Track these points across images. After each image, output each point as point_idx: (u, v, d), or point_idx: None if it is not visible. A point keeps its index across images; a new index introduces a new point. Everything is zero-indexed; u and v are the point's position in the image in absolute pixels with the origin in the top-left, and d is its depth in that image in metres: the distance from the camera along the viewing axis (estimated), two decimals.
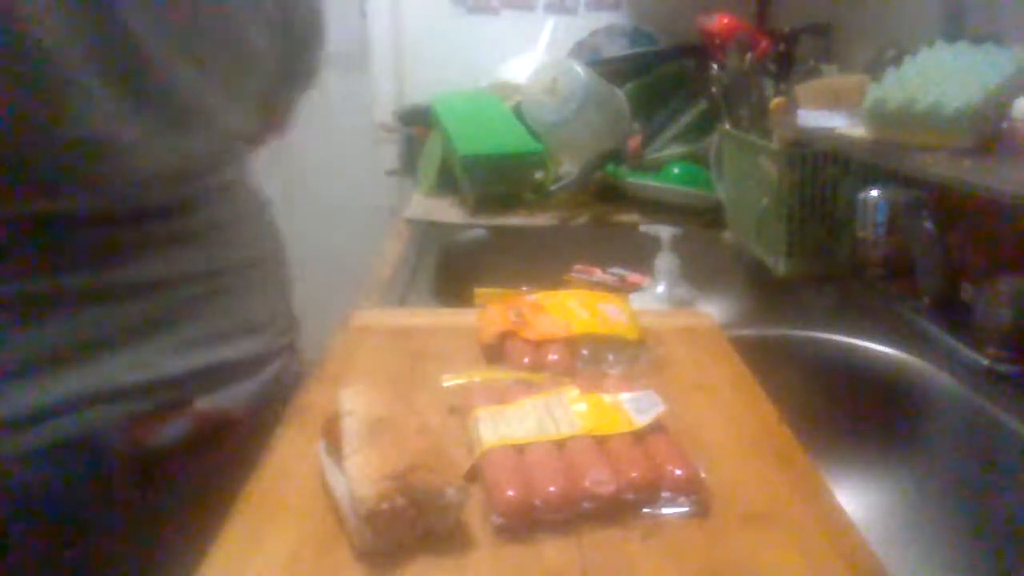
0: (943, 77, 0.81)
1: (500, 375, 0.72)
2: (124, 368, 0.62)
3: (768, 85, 1.20)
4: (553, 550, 0.50)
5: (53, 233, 0.60)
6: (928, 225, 0.87)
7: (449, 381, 0.70)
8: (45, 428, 0.59)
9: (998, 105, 0.77)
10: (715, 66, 1.26)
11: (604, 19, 1.89)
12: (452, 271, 1.26)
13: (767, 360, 0.80)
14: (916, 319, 0.91)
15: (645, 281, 1.09)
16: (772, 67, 1.29)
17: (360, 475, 0.50)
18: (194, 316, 0.67)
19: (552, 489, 0.53)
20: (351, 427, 0.54)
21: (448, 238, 1.36)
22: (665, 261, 1.06)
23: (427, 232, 1.36)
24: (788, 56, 1.39)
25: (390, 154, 1.93)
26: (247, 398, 0.71)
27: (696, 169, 1.40)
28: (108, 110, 0.59)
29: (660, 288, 1.06)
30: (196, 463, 0.66)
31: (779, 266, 1.05)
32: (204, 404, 0.67)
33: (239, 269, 0.72)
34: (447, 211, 1.44)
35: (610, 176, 1.44)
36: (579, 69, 1.47)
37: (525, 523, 0.52)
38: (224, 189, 0.72)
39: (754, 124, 1.13)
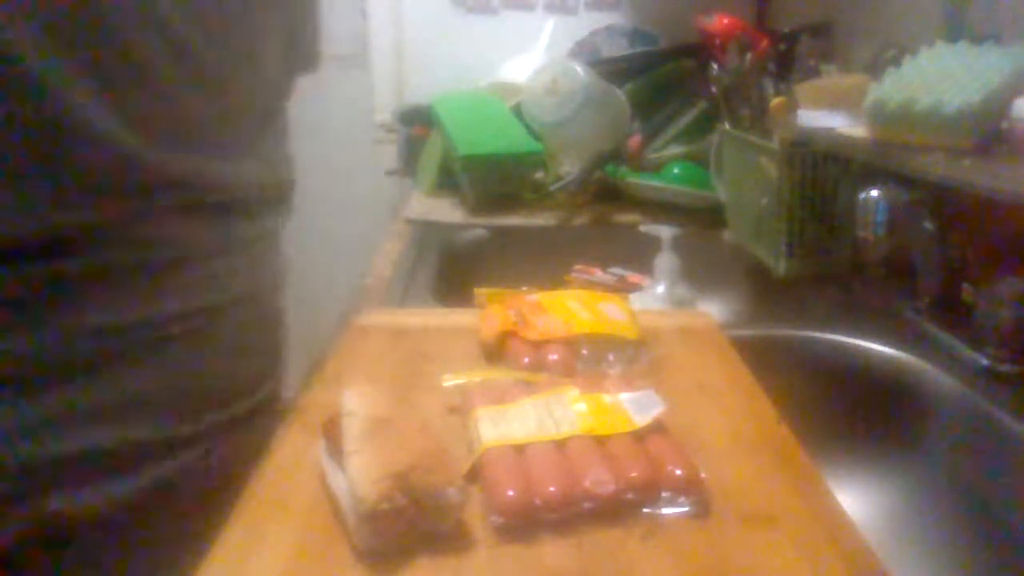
0: (943, 77, 0.81)
1: (500, 375, 0.72)
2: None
3: (768, 85, 1.20)
4: (553, 550, 0.50)
5: None
6: (928, 225, 0.87)
7: (449, 381, 0.70)
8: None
9: (998, 105, 0.77)
10: (715, 66, 1.26)
11: (604, 19, 1.89)
12: (452, 271, 1.26)
13: (767, 360, 0.80)
14: (916, 319, 0.91)
15: (645, 281, 1.09)
16: (772, 67, 1.29)
17: (360, 475, 0.50)
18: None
19: (552, 489, 0.53)
20: (351, 427, 0.54)
21: (448, 238, 1.36)
22: (665, 261, 1.06)
23: (427, 232, 1.36)
24: (788, 56, 1.39)
25: (390, 154, 1.93)
26: (116, 497, 0.61)
27: (696, 169, 1.40)
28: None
29: (660, 288, 1.06)
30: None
31: (779, 266, 1.05)
32: (56, 503, 0.58)
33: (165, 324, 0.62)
34: (447, 211, 1.44)
35: (610, 176, 1.44)
36: (579, 69, 1.47)
37: (525, 523, 0.52)
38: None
39: (754, 124, 1.13)
